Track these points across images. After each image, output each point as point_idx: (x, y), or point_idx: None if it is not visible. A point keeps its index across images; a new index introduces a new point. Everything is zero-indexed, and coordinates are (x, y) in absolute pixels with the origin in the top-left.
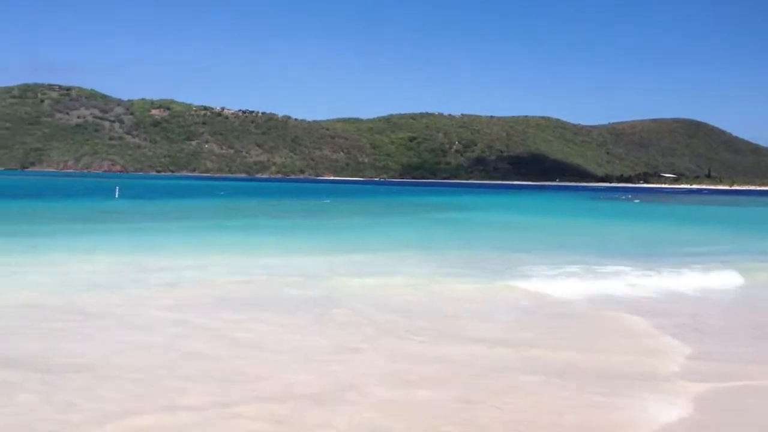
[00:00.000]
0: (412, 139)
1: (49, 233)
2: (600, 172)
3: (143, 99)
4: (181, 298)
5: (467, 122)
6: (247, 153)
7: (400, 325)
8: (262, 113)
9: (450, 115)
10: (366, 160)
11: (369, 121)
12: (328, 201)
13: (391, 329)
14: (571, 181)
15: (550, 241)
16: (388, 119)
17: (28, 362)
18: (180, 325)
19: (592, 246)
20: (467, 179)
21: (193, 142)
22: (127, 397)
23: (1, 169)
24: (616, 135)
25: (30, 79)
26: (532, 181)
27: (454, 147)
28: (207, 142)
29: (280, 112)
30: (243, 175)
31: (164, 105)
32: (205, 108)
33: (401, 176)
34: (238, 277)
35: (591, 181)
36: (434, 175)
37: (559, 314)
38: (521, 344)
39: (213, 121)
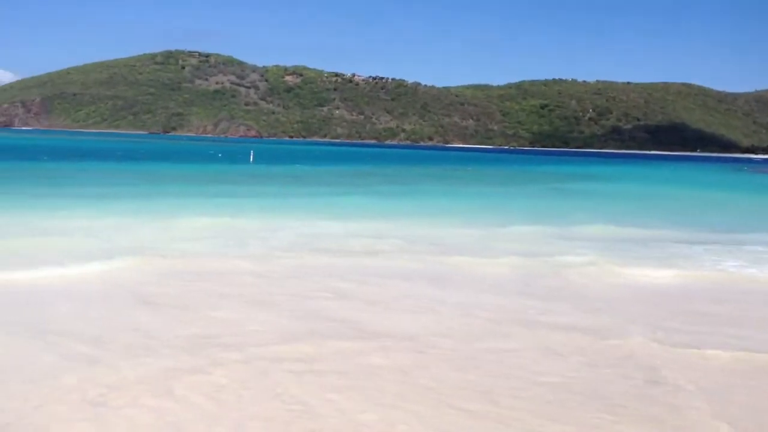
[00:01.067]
0: (543, 107)
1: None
2: (745, 143)
3: (277, 65)
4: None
5: (602, 89)
6: (376, 119)
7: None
8: (392, 79)
9: (584, 81)
10: (495, 128)
11: (499, 87)
12: (470, 168)
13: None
14: (713, 151)
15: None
16: (519, 86)
17: None
18: None
19: None
20: (601, 148)
21: (324, 108)
22: None
23: (146, 132)
24: (765, 103)
25: (172, 46)
26: (671, 151)
27: (588, 115)
28: (338, 108)
29: (410, 79)
30: (372, 142)
31: (297, 71)
32: (336, 74)
33: (531, 144)
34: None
35: (735, 152)
36: (566, 144)
37: None
38: None
39: (344, 87)
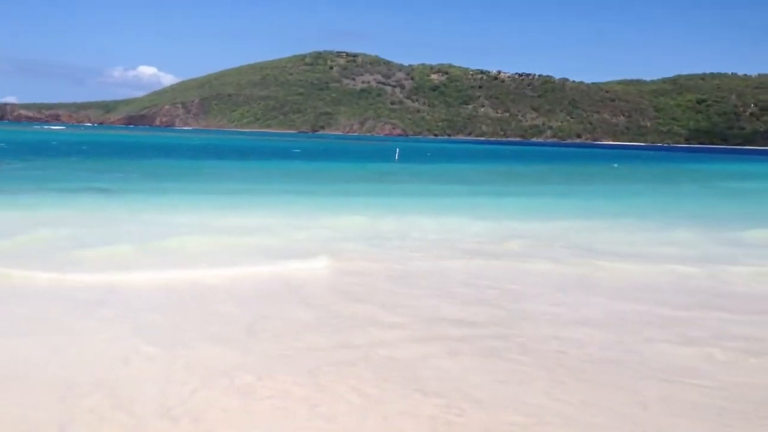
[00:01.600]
0: (700, 102)
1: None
2: None
3: (423, 64)
4: None
5: (765, 82)
6: (522, 117)
7: None
8: (539, 76)
9: (745, 75)
10: (648, 124)
11: (652, 82)
12: (616, 166)
13: None
14: None
15: None
16: (674, 80)
17: None
18: None
19: None
20: (764, 146)
21: (469, 106)
22: None
23: (295, 131)
24: None
25: (321, 47)
26: None
27: (750, 110)
28: (483, 105)
29: (557, 75)
30: (517, 139)
31: (442, 70)
32: (482, 72)
33: (687, 141)
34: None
35: None
36: (725, 141)
37: None
38: None
39: (489, 84)
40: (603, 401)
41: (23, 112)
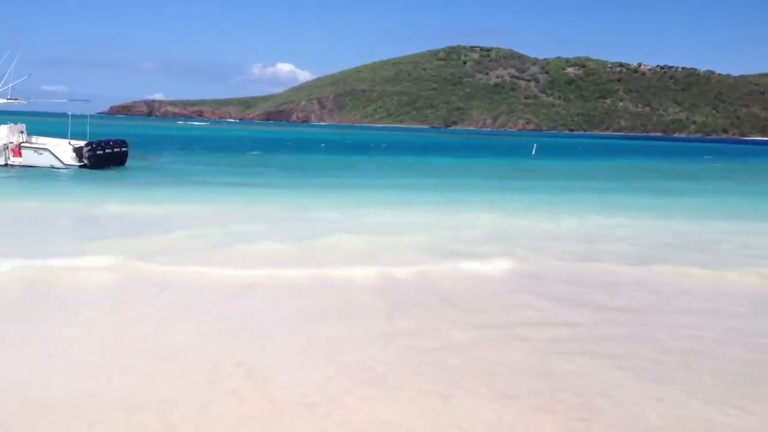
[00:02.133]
0: None
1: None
2: None
3: (559, 57)
4: None
5: None
6: (663, 111)
7: None
8: (682, 68)
9: None
10: None
11: None
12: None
13: None
14: None
15: None
16: None
17: None
18: None
19: None
20: None
21: (607, 100)
22: None
23: (427, 126)
24: None
25: (454, 42)
26: None
27: None
28: (621, 99)
29: (702, 67)
30: (658, 134)
31: (579, 63)
32: (621, 65)
33: None
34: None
35: None
36: None
37: None
38: None
39: (629, 78)
40: None
41: (169, 108)
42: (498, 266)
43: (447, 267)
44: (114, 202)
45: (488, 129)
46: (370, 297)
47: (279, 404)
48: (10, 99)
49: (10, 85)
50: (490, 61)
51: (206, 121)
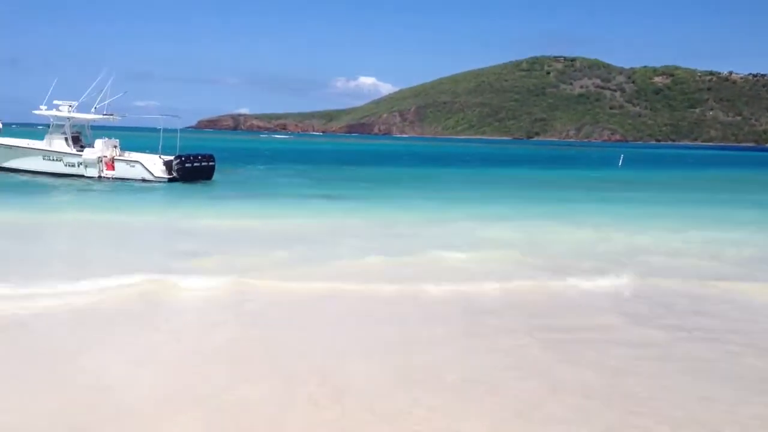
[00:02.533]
0: None
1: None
2: None
3: (645, 67)
4: None
5: None
6: (756, 120)
7: None
8: None
9: None
10: None
11: None
12: None
13: None
14: None
15: None
16: None
17: None
18: None
19: None
20: None
21: (696, 110)
22: None
23: (509, 138)
24: None
25: (538, 52)
26: None
27: None
28: (711, 109)
29: None
30: (750, 145)
31: (667, 72)
32: (711, 73)
33: None
34: None
35: None
36: None
37: None
38: None
39: (719, 86)
40: None
41: (254, 121)
42: (596, 283)
43: (535, 284)
44: (207, 216)
45: (571, 140)
46: (454, 311)
47: (351, 412)
48: (105, 115)
49: (107, 102)
50: (575, 71)
51: (289, 134)
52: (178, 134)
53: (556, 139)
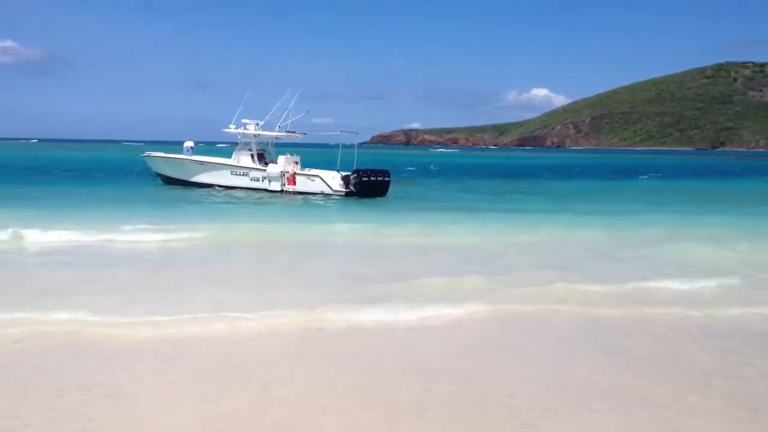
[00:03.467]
0: None
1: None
2: None
3: None
4: None
5: None
6: None
7: None
8: None
9: None
10: None
11: None
12: None
13: None
14: None
15: None
16: None
17: None
18: None
19: None
20: None
21: None
22: None
23: (692, 148)
24: None
25: (723, 58)
26: None
27: None
28: None
29: None
30: None
31: None
32: None
33: None
34: None
35: None
36: None
37: None
38: None
39: None
40: None
41: (426, 136)
42: None
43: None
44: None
45: (761, 149)
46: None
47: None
48: (289, 132)
49: (290, 120)
50: (765, 77)
51: (460, 148)
52: (356, 150)
53: (744, 149)
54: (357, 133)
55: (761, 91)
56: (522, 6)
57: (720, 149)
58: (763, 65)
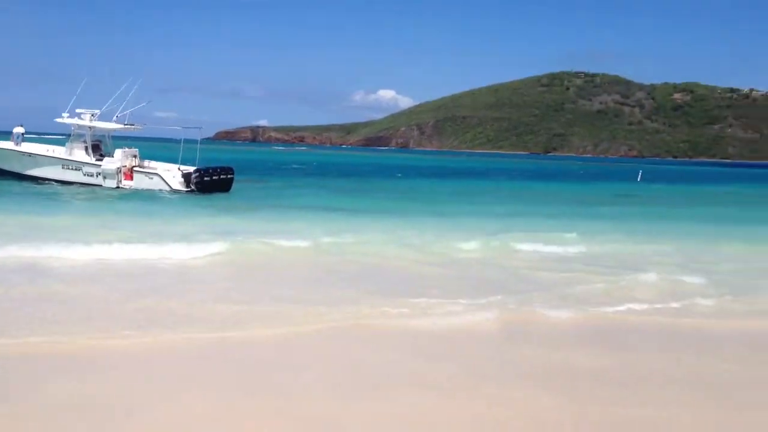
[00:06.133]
0: None
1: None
2: None
3: (666, 83)
4: None
5: None
6: None
7: None
8: None
9: None
10: None
11: None
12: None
13: None
14: None
15: None
16: None
17: None
18: None
19: None
20: None
21: (715, 127)
22: None
23: (526, 153)
24: None
25: (558, 68)
26: None
27: None
28: (730, 126)
29: None
30: None
31: (687, 88)
32: (732, 90)
33: None
34: None
35: None
36: None
37: None
38: None
39: (739, 103)
40: None
41: (273, 134)
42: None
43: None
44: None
45: (588, 155)
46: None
47: None
48: (126, 125)
49: (128, 112)
50: (595, 87)
51: (305, 146)
52: (198, 146)
53: (573, 155)
54: (200, 128)
55: (590, 100)
56: (373, 6)
57: (552, 154)
58: (593, 76)
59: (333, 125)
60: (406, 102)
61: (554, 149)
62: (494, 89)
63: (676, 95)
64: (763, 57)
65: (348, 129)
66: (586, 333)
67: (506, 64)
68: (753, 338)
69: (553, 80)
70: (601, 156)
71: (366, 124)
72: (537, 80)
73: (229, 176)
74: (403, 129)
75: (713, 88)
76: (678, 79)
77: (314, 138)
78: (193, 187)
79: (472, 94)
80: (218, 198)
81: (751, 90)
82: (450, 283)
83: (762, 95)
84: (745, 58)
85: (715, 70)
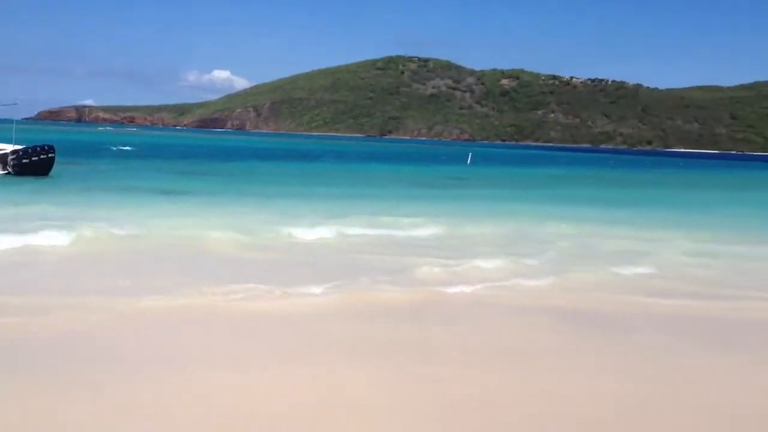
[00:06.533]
0: None
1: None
2: None
3: (494, 69)
4: None
5: None
6: (592, 123)
7: None
8: (612, 81)
9: None
10: (723, 132)
11: (729, 88)
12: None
13: None
14: None
15: None
16: (752, 86)
17: None
18: None
19: None
20: None
21: (539, 112)
22: None
23: (363, 135)
24: None
25: (393, 52)
26: None
27: None
28: (553, 111)
29: (632, 80)
30: (586, 146)
31: (514, 75)
32: (554, 77)
33: (763, 149)
34: None
35: None
36: None
37: None
38: None
39: (561, 90)
40: None
41: (100, 114)
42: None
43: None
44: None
45: (423, 138)
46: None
47: None
48: None
49: None
50: (428, 71)
51: (135, 127)
52: (14, 126)
53: (408, 137)
54: (15, 104)
55: (424, 84)
56: None
57: (388, 137)
58: (426, 60)
59: (165, 105)
60: (241, 83)
61: (390, 132)
62: (330, 72)
63: (504, 81)
64: (583, 47)
65: (181, 110)
66: (416, 310)
67: (342, 47)
68: (561, 313)
69: (389, 64)
70: (435, 139)
71: (200, 105)
72: (372, 63)
73: (49, 156)
74: (239, 111)
75: (537, 75)
76: (506, 65)
77: (145, 119)
78: (9, 170)
79: (308, 76)
80: (37, 182)
81: (572, 77)
82: (276, 268)
83: (581, 82)
84: (567, 46)
85: (540, 58)
